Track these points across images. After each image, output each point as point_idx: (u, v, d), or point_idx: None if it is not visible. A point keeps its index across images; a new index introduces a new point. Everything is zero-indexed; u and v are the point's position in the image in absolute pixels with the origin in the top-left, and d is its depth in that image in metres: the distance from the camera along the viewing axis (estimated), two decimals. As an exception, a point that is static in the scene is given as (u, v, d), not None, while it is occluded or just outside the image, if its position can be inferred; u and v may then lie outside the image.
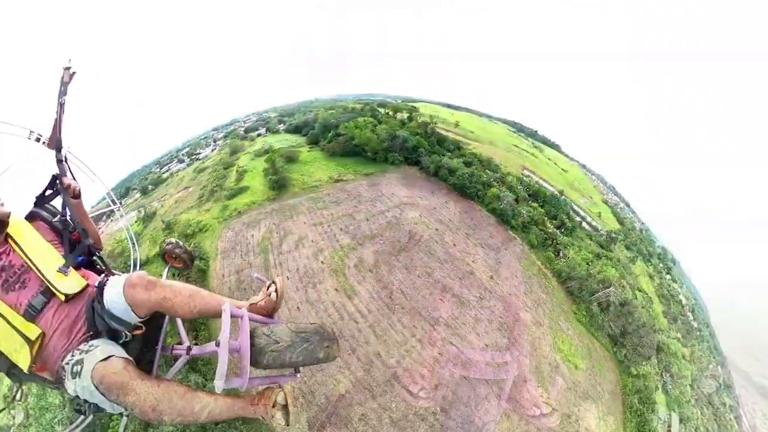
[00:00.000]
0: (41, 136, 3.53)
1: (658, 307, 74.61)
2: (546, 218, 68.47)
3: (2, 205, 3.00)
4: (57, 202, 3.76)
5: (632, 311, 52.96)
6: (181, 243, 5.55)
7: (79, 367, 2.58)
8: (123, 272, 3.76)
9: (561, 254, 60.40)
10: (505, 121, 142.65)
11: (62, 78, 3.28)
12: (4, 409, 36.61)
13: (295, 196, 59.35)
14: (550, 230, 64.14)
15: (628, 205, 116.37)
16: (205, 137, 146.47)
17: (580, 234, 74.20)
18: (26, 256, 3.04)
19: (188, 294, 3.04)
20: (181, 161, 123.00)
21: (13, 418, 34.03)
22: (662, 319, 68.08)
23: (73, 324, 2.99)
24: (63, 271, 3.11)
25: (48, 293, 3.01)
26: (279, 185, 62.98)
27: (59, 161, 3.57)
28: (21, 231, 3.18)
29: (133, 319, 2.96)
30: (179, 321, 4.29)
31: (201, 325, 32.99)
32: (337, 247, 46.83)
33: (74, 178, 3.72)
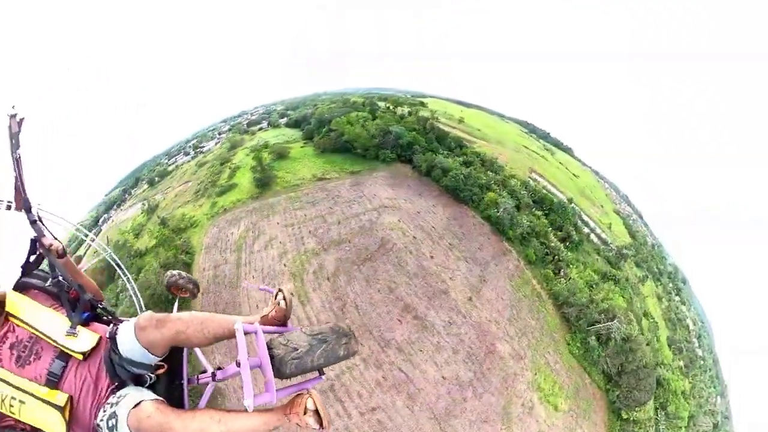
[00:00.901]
0: (10, 202, 3.40)
1: (664, 333, 65.14)
2: (550, 229, 58.82)
3: None
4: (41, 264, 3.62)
5: (635, 349, 43.22)
6: (183, 274, 4.99)
7: (113, 420, 2.55)
8: (129, 317, 3.27)
9: (562, 273, 50.77)
10: (517, 121, 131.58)
11: (9, 128, 3.06)
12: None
13: (276, 195, 55.65)
14: (552, 243, 54.34)
15: (641, 217, 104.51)
16: (213, 129, 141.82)
17: (587, 248, 64.35)
18: (31, 327, 2.93)
19: (199, 322, 2.89)
20: (186, 154, 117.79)
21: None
22: (667, 351, 58.02)
23: (97, 379, 2.90)
24: (72, 333, 2.94)
25: (64, 356, 2.90)
26: (263, 183, 59.18)
27: (33, 222, 3.36)
28: (18, 305, 3.02)
29: (153, 359, 2.88)
30: (197, 350, 4.15)
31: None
32: (301, 251, 44.23)
33: (54, 237, 3.51)
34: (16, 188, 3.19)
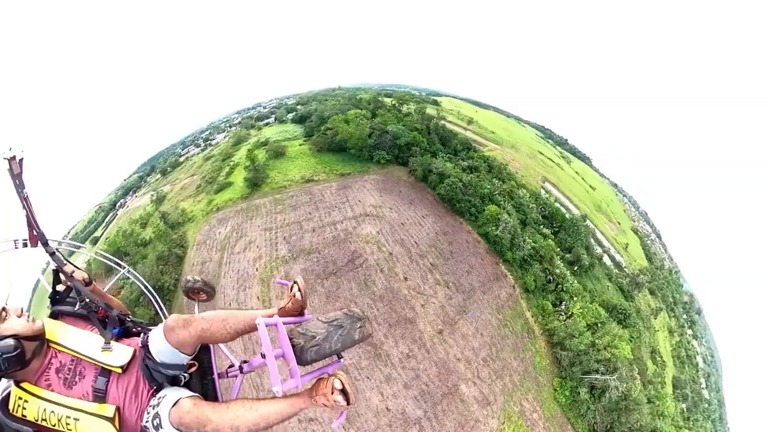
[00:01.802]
0: (26, 240, 3.44)
1: (671, 372, 56.64)
2: (557, 251, 50.26)
3: (33, 321, 2.92)
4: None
5: (632, 409, 34.83)
6: (198, 278, 5.07)
7: (157, 420, 2.67)
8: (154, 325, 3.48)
9: (563, 306, 42.22)
10: (534, 125, 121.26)
11: (10, 171, 2.97)
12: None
13: (264, 196, 52.63)
14: (557, 270, 45.49)
15: (659, 237, 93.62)
16: (226, 121, 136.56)
17: (598, 273, 55.25)
18: (71, 350, 3.00)
19: (222, 319, 2.97)
20: (198, 146, 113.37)
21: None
22: (669, 402, 48.74)
23: (136, 387, 3.02)
24: (107, 348, 3.06)
25: (105, 372, 3.00)
26: (253, 184, 54.83)
27: (52, 254, 3.41)
28: (56, 331, 3.08)
29: (184, 359, 2.96)
30: (223, 347, 4.22)
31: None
32: (273, 257, 42.10)
33: (75, 266, 3.57)
34: (29, 225, 3.25)
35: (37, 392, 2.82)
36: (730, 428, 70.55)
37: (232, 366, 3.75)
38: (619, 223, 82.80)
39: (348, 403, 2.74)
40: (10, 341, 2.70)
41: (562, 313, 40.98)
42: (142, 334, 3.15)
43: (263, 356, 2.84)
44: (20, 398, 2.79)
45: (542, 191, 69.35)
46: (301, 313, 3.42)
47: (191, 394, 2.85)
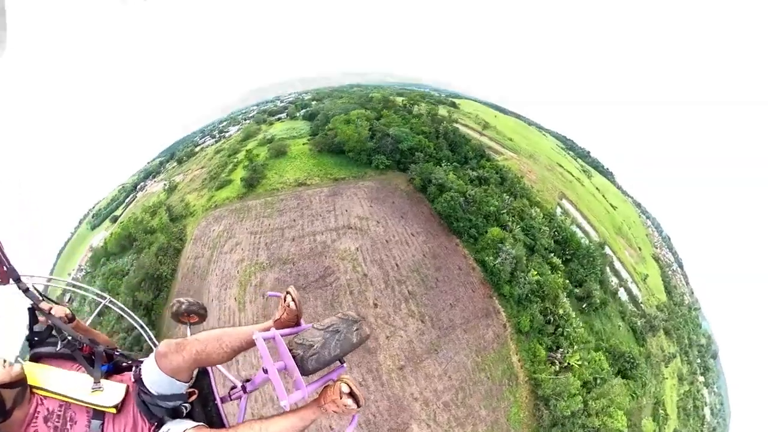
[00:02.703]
0: None
1: (673, 425, 48.69)
2: (564, 285, 43.22)
3: (11, 366, 2.56)
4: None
5: None
6: (183, 300, 4.52)
7: None
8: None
9: (559, 354, 35.25)
10: (556, 135, 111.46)
11: None
12: None
13: (258, 197, 50.60)
14: (560, 311, 38.10)
15: (680, 267, 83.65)
16: (244, 112, 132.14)
17: (611, 310, 47.63)
18: (57, 394, 2.72)
19: (216, 338, 2.71)
20: (213, 137, 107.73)
21: None
22: None
23: (134, 426, 2.77)
24: (97, 388, 2.76)
25: (99, 414, 2.73)
26: (249, 184, 51.82)
27: (25, 291, 2.99)
28: (38, 375, 2.77)
29: (182, 387, 2.71)
30: (222, 368, 3.88)
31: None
32: (253, 262, 40.82)
33: (53, 301, 3.23)
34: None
35: None
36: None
37: (234, 387, 3.38)
38: (639, 249, 73.86)
39: (358, 406, 2.60)
40: None
41: (556, 362, 34.01)
42: (133, 368, 2.88)
43: (265, 371, 2.66)
44: None
45: (558, 210, 61.57)
46: (297, 323, 3.20)
47: (196, 424, 2.65)
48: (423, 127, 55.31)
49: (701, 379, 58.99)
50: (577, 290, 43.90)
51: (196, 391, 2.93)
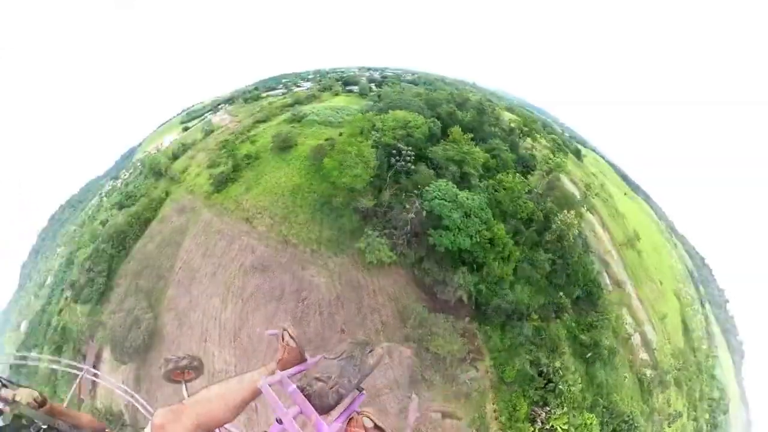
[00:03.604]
0: None
1: None
2: (569, 331, 40.58)
3: None
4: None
5: None
6: (173, 357, 4.11)
7: None
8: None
9: (543, 413, 30.89)
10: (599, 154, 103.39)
11: None
12: None
13: (211, 206, 47.51)
14: (556, 364, 33.39)
15: (703, 305, 76.66)
16: (332, 72, 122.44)
17: (619, 360, 43.86)
18: None
19: (218, 395, 2.41)
20: (286, 87, 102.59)
21: None
22: None
23: None
24: None
25: None
26: (217, 184, 47.87)
27: None
28: None
29: None
30: (230, 427, 3.36)
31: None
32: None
33: (18, 384, 2.71)
34: None
35: None
36: None
37: None
38: (661, 283, 68.55)
39: None
40: None
41: (538, 420, 30.62)
42: None
43: (280, 422, 2.35)
44: None
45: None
46: (302, 360, 2.90)
47: None
48: (518, 203, 40.88)
49: (708, 440, 54.80)
50: (583, 336, 40.57)
51: None
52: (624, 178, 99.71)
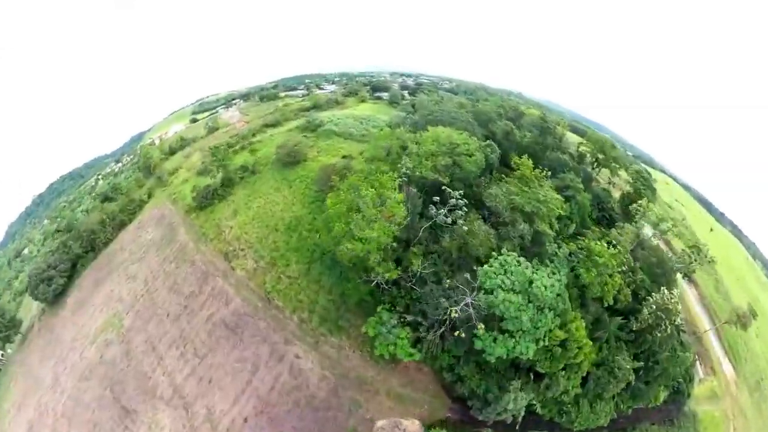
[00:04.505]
0: None
1: None
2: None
3: None
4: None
5: None
6: None
7: None
8: None
9: None
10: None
11: None
12: None
13: (189, 230, 38.07)
14: None
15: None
16: (361, 75, 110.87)
17: None
18: None
19: None
20: (307, 88, 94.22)
21: None
22: None
23: None
24: None
25: None
26: (201, 199, 38.48)
27: None
28: None
29: None
30: None
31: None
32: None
33: None
34: None
35: None
36: None
37: None
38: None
39: None
40: None
41: None
42: None
43: None
44: None
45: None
46: None
47: None
48: (606, 283, 26.75)
49: None
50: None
51: None
52: (701, 201, 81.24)
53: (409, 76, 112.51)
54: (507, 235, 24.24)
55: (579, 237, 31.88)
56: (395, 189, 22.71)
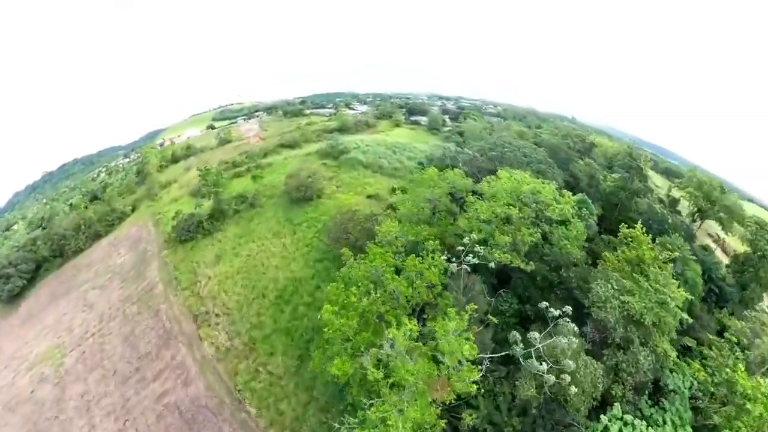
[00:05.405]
0: None
1: None
2: None
3: None
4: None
5: None
6: None
7: None
8: None
9: None
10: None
11: None
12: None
13: (163, 267, 30.38)
14: None
15: None
16: (407, 96, 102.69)
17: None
18: None
19: None
20: (335, 107, 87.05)
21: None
22: None
23: None
24: None
25: None
26: (181, 232, 30.50)
27: None
28: None
29: None
30: None
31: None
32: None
33: None
34: None
35: None
36: None
37: None
38: None
39: None
40: None
41: None
42: None
43: None
44: None
45: None
46: None
47: None
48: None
49: None
50: None
51: None
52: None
53: (448, 99, 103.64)
54: (622, 375, 14.63)
55: (690, 337, 21.52)
56: (450, 303, 13.12)
